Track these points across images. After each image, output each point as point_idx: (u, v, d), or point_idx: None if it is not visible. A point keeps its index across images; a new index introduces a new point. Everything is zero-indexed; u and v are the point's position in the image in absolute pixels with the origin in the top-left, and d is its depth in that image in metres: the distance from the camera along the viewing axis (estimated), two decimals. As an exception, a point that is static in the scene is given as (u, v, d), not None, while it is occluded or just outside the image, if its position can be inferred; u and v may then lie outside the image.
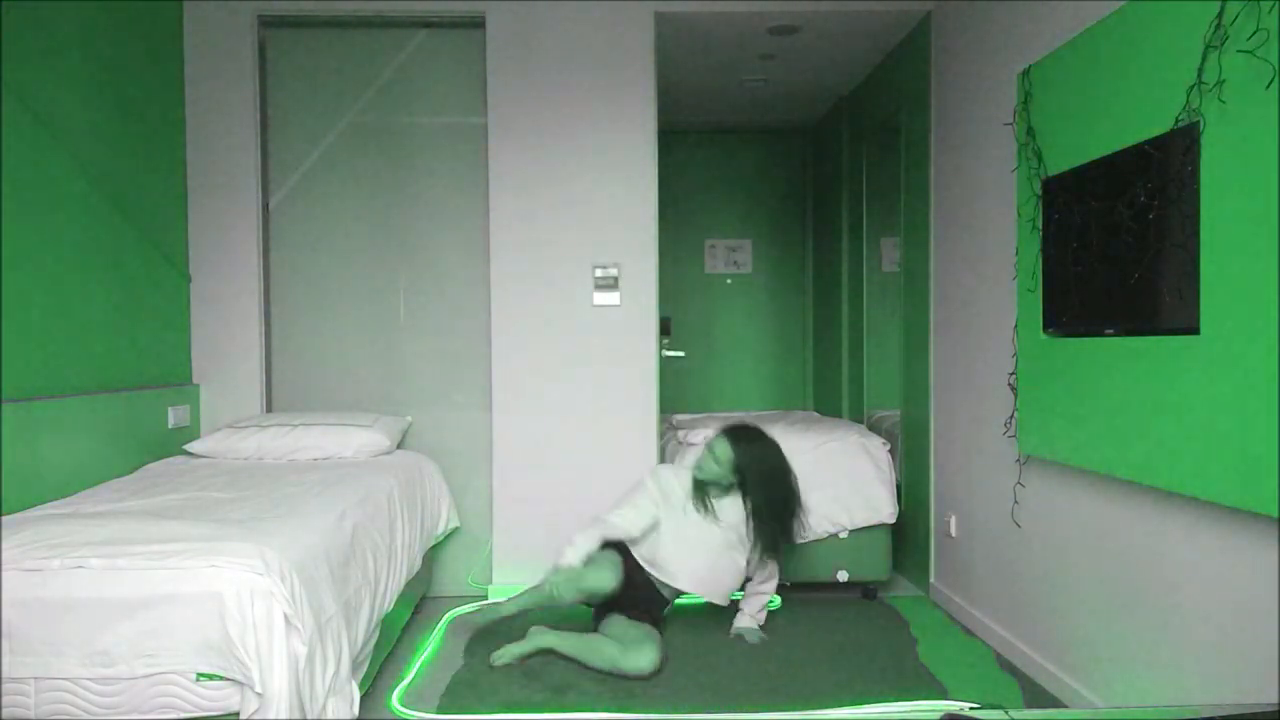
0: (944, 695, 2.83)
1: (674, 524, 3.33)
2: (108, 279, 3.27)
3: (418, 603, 3.72)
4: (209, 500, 2.74)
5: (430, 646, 3.33)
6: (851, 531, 3.86)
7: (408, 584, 3.17)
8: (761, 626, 3.47)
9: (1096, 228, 2.52)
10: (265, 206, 4.00)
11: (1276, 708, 1.21)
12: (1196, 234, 2.11)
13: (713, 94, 5.21)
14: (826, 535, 3.84)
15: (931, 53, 3.89)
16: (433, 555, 3.83)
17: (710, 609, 3.72)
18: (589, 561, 3.17)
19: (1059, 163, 2.72)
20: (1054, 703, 2.80)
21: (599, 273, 3.94)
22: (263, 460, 3.47)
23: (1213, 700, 2.15)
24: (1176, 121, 2.17)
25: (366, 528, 2.81)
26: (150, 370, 3.56)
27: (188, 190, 3.89)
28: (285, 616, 2.05)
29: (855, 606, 3.80)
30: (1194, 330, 2.13)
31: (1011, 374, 3.08)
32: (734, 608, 3.54)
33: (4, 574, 2.02)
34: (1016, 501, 3.12)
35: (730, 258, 6.16)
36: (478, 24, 3.96)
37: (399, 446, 3.84)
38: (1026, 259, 2.92)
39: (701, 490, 3.38)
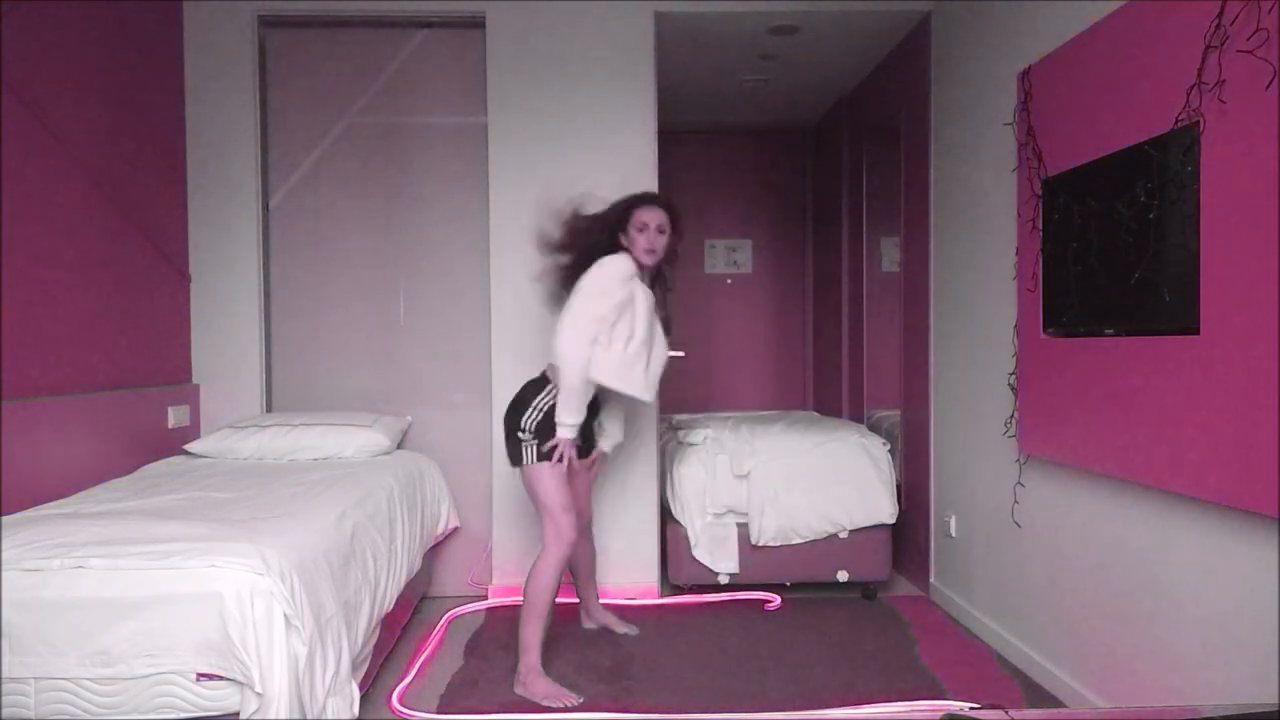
0: (944, 695, 2.83)
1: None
2: (108, 279, 3.27)
3: (418, 603, 3.72)
4: (209, 500, 2.74)
5: (430, 646, 3.33)
6: (851, 531, 3.86)
7: (408, 584, 3.17)
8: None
9: (1096, 228, 2.52)
10: (265, 206, 4.00)
11: (1276, 708, 1.21)
12: (1196, 234, 2.11)
13: (713, 94, 5.20)
14: (826, 535, 3.84)
15: (931, 53, 3.89)
16: (433, 555, 3.83)
17: (707, 608, 3.73)
18: None
19: (1059, 163, 2.72)
20: (1054, 703, 2.80)
21: (599, 272, 3.93)
22: (263, 460, 3.47)
23: (1213, 700, 2.15)
24: (1176, 121, 2.17)
25: (366, 528, 2.81)
26: (150, 370, 3.56)
27: (188, 190, 3.89)
28: (285, 616, 2.05)
29: (855, 606, 3.80)
30: (1194, 330, 2.13)
31: (1011, 374, 3.08)
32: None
33: (4, 574, 2.02)
34: (1016, 501, 3.12)
35: (730, 258, 6.16)
36: (478, 24, 3.96)
37: (399, 446, 3.84)
38: (1027, 259, 2.92)
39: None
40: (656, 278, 3.20)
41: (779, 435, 3.98)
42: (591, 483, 3.40)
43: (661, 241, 3.06)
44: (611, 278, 2.94)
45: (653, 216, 3.05)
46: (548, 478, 2.95)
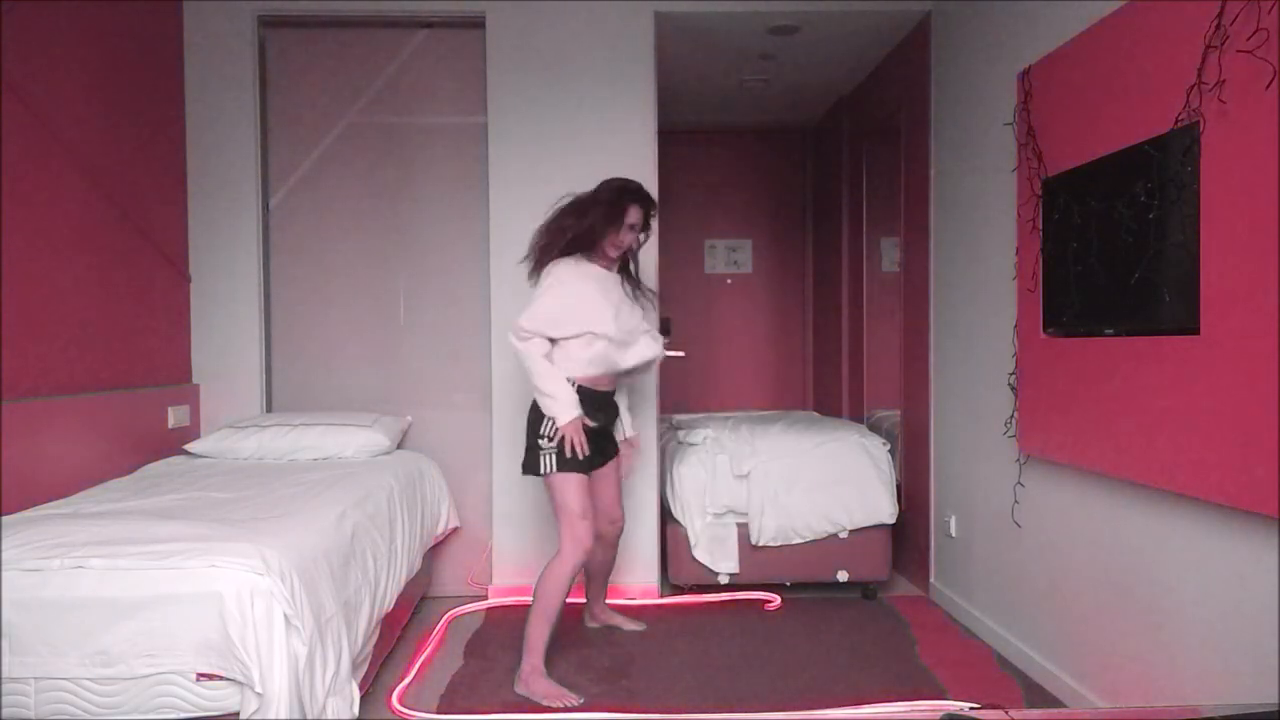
0: (944, 695, 2.83)
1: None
2: (108, 279, 3.27)
3: (418, 603, 3.72)
4: (209, 500, 2.74)
5: (430, 646, 3.33)
6: (851, 531, 3.86)
7: (407, 584, 3.17)
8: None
9: (1096, 228, 2.52)
10: (265, 206, 4.00)
11: (1276, 708, 1.21)
12: (1196, 234, 2.11)
13: (713, 94, 5.20)
14: (826, 535, 3.84)
15: (931, 53, 3.89)
16: (433, 555, 3.83)
17: (707, 608, 3.72)
18: None
19: (1059, 163, 2.72)
20: (1054, 703, 2.80)
21: (599, 273, 3.93)
22: (263, 460, 3.47)
23: (1213, 700, 2.15)
24: (1176, 121, 2.17)
25: (366, 528, 2.81)
26: (150, 370, 3.56)
27: (188, 190, 3.89)
28: (285, 616, 2.05)
29: (855, 606, 3.80)
30: (1194, 330, 2.13)
31: (1011, 374, 3.08)
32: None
33: (4, 574, 2.02)
34: (1016, 501, 3.12)
35: (730, 258, 6.16)
36: (478, 24, 3.96)
37: (399, 446, 3.84)
38: (1027, 259, 2.92)
39: None
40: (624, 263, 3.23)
41: (779, 435, 3.98)
42: (620, 485, 3.34)
43: (631, 238, 3.10)
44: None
45: (640, 218, 3.09)
46: (570, 484, 2.95)
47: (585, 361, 3.00)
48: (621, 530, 3.38)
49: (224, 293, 3.91)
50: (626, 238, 3.06)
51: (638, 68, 3.94)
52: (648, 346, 3.15)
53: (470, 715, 2.72)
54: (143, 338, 3.50)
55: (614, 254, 3.08)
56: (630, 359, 3.10)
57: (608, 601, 3.58)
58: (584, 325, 2.97)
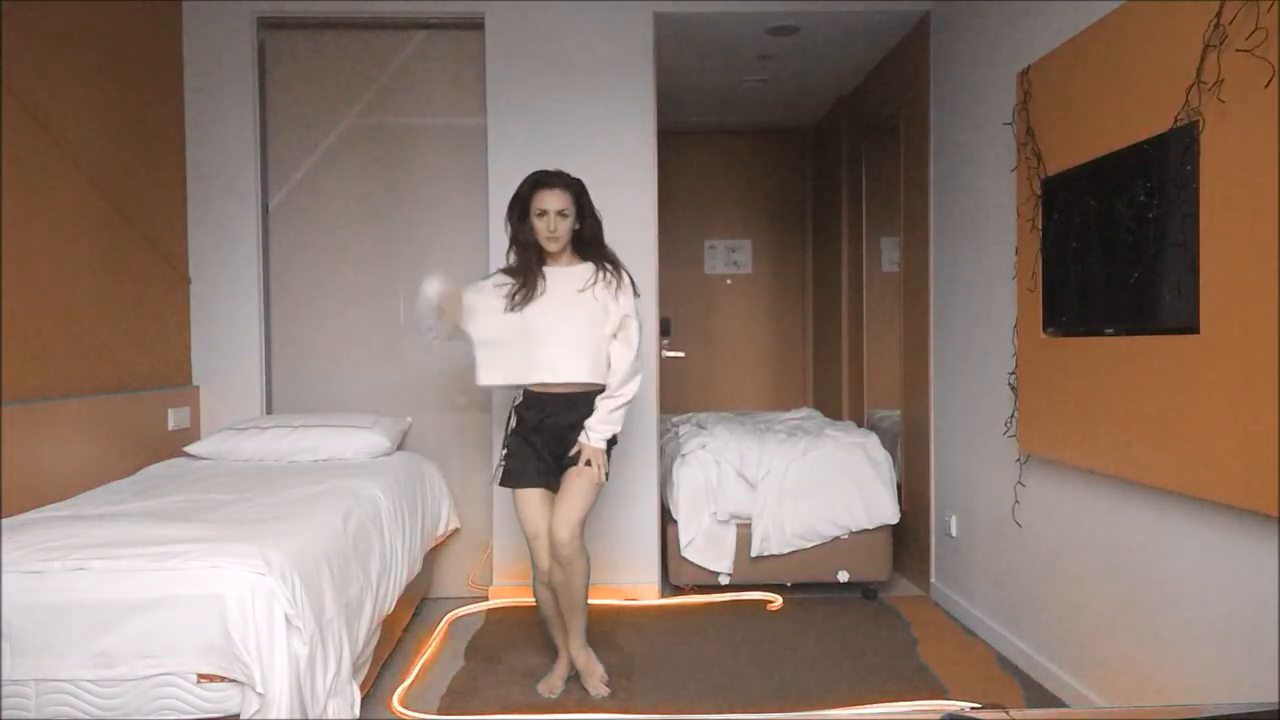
0: (944, 695, 2.83)
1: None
2: (108, 280, 3.27)
3: (418, 604, 3.72)
4: (210, 502, 2.74)
5: (430, 648, 3.33)
6: (853, 533, 3.86)
7: (408, 585, 3.17)
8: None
9: (1096, 227, 2.52)
10: (265, 207, 4.00)
11: (1276, 708, 1.21)
12: (1196, 234, 2.11)
13: (713, 94, 5.21)
14: (831, 539, 3.84)
15: (931, 53, 3.89)
16: (433, 557, 3.83)
17: (707, 609, 3.72)
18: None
19: (1058, 162, 2.72)
20: (1054, 702, 2.81)
21: (599, 273, 3.93)
22: (263, 462, 3.46)
23: (1213, 699, 2.15)
24: (1176, 121, 2.18)
25: (367, 529, 2.81)
26: (150, 372, 3.56)
27: (187, 191, 3.89)
28: (286, 617, 2.05)
29: (855, 606, 3.80)
30: (1194, 330, 2.13)
31: (1011, 374, 3.08)
32: None
33: (5, 576, 2.02)
34: (1017, 501, 3.12)
35: (730, 258, 6.17)
36: (477, 25, 3.96)
37: (399, 448, 3.83)
38: (1026, 259, 2.92)
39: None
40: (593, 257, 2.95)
41: (780, 443, 3.96)
42: (570, 500, 2.83)
43: (564, 226, 2.84)
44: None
45: (554, 202, 2.84)
46: (514, 501, 2.90)
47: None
48: (570, 559, 2.78)
49: (224, 294, 3.91)
50: (540, 225, 2.82)
51: (637, 68, 3.94)
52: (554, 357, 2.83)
53: (471, 716, 2.73)
54: (143, 339, 3.50)
55: (551, 246, 2.86)
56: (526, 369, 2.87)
57: (603, 602, 3.45)
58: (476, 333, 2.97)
